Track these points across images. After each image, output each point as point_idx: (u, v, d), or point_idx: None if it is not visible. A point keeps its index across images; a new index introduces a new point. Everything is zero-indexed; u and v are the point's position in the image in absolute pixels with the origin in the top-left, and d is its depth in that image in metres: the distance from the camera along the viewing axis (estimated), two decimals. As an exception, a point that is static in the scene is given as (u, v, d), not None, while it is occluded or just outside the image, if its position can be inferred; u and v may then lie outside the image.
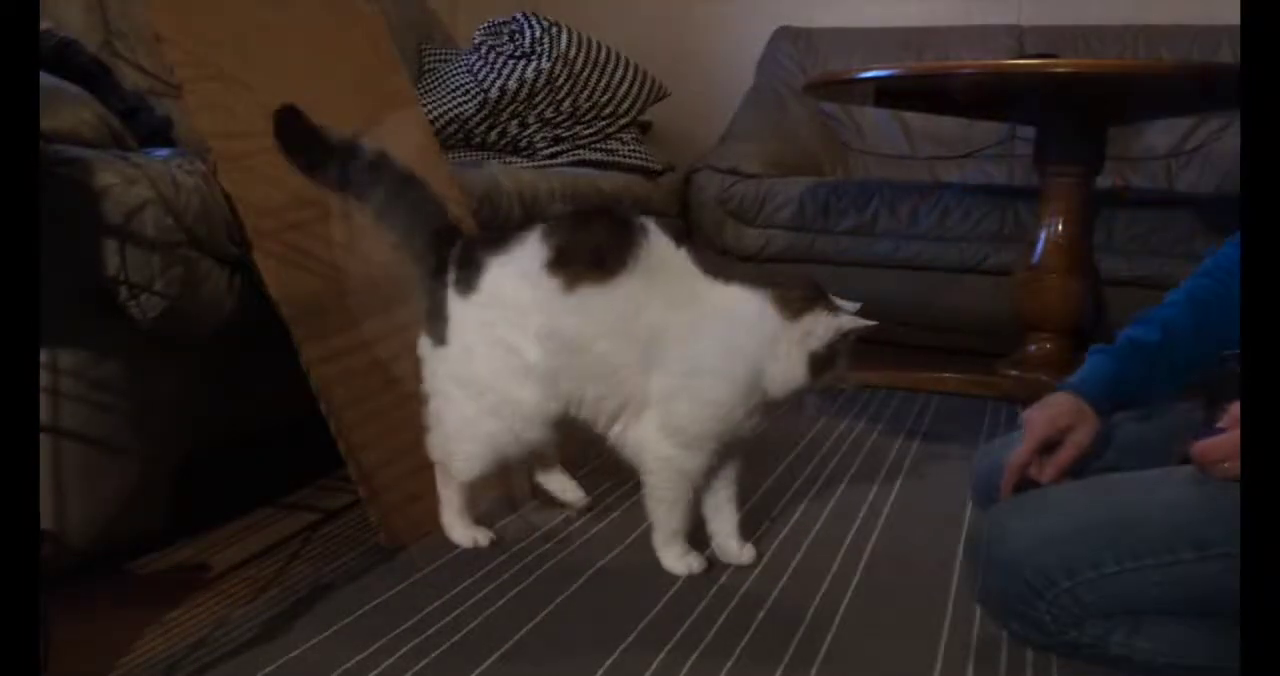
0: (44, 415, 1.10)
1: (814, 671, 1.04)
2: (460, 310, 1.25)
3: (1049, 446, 1.12)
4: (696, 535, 1.30)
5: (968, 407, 2.16)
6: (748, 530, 1.34)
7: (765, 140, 3.06)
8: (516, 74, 2.73)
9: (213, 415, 1.41)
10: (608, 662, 1.05)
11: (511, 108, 2.74)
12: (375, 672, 1.02)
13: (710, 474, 1.26)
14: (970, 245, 2.59)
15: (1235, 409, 0.92)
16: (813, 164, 3.09)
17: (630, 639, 1.10)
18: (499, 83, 2.72)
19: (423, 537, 1.36)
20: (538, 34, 2.76)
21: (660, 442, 1.22)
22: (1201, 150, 2.92)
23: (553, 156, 2.76)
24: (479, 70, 2.78)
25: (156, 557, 1.31)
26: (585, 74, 2.78)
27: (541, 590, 1.22)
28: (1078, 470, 1.11)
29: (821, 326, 1.17)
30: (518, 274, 1.21)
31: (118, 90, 1.45)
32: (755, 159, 2.90)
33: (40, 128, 1.09)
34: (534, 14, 2.81)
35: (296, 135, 1.25)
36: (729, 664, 1.05)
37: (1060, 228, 2.14)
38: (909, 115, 3.15)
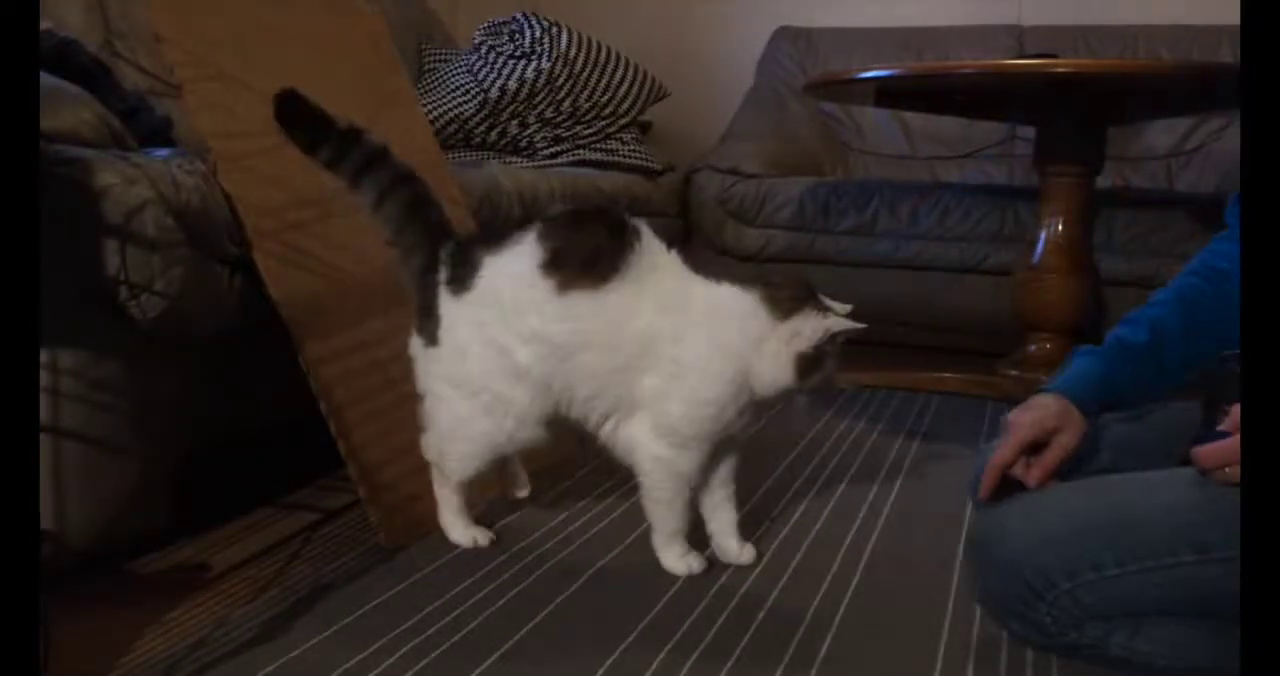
0: (44, 415, 1.10)
1: (814, 671, 1.04)
2: (453, 309, 1.25)
3: (1034, 448, 1.09)
4: (696, 535, 1.29)
5: (968, 407, 2.15)
6: (747, 530, 1.34)
7: (765, 140, 3.06)
8: (516, 74, 2.73)
9: (213, 415, 1.41)
10: (608, 662, 1.05)
11: (511, 108, 2.74)
12: (375, 672, 1.02)
13: (706, 472, 1.26)
14: (970, 245, 2.59)
15: (1236, 412, 0.91)
16: (813, 164, 3.09)
17: (630, 639, 1.10)
18: (499, 83, 2.72)
19: (423, 537, 1.36)
20: (538, 34, 2.76)
21: (653, 443, 1.22)
22: (1201, 150, 2.92)
23: (553, 156, 2.76)
24: (479, 70, 2.78)
25: (156, 557, 1.31)
26: (585, 74, 2.78)
27: (541, 590, 1.22)
28: (1064, 473, 1.10)
29: (810, 327, 1.16)
30: (513, 274, 1.21)
31: (118, 90, 1.45)
32: (755, 159, 2.90)
33: (40, 127, 1.09)
34: (534, 14, 2.82)
35: (297, 115, 1.24)
36: (729, 664, 1.05)
37: (1060, 228, 2.14)
38: (909, 115, 3.15)
